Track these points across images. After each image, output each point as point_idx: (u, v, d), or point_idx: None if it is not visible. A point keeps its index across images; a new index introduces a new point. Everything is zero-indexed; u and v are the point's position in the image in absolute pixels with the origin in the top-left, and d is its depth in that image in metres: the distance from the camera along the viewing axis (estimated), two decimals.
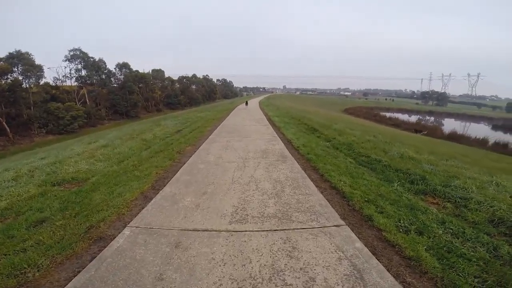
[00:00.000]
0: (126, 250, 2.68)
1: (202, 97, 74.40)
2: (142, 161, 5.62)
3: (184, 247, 2.72)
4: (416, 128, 30.44)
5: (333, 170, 4.90)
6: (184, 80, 72.39)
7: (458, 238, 2.94)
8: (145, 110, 54.02)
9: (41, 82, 36.06)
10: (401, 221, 3.25)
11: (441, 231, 3.04)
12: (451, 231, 3.07)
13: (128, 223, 3.19)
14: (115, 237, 2.91)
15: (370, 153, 6.29)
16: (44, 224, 3.23)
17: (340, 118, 22.10)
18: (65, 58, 40.78)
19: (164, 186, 4.28)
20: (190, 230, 3.02)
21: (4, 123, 29.48)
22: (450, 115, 72.99)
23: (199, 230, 3.01)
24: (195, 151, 6.27)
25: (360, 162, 5.72)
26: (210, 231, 3.00)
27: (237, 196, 3.85)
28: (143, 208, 3.57)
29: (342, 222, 3.25)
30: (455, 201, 3.95)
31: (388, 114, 53.58)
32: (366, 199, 3.84)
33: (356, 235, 3.00)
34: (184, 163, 5.34)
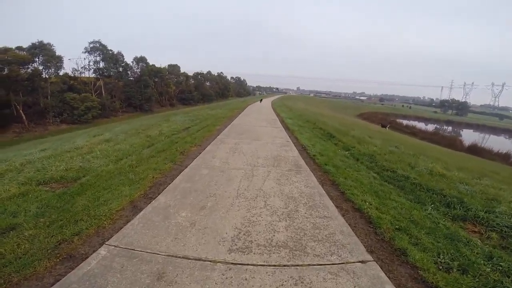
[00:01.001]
0: (97, 275, 2.15)
1: (216, 94, 74.29)
2: (141, 161, 5.11)
3: (169, 280, 2.15)
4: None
5: (355, 187, 4.21)
6: (199, 76, 72.48)
7: (509, 277, 2.42)
8: (158, 104, 54.32)
9: (60, 73, 36.68)
10: (441, 256, 2.65)
11: (489, 269, 2.50)
12: (500, 268, 2.52)
13: (107, 240, 2.66)
14: (88, 257, 2.39)
15: (396, 168, 5.55)
16: (12, 232, 2.76)
17: (356, 123, 21.16)
18: (85, 50, 41.26)
19: (159, 194, 3.72)
20: (179, 257, 2.44)
21: (21, 110, 30.09)
22: (469, 125, 70.04)
23: (190, 259, 2.42)
24: (200, 153, 5.70)
25: (385, 178, 4.99)
26: (204, 260, 2.41)
27: (241, 214, 3.23)
28: (128, 221, 3.03)
29: (369, 257, 2.62)
30: (501, 230, 3.34)
31: (405, 122, 51.81)
32: (397, 227, 3.18)
33: (386, 274, 2.39)
34: (186, 167, 4.77)
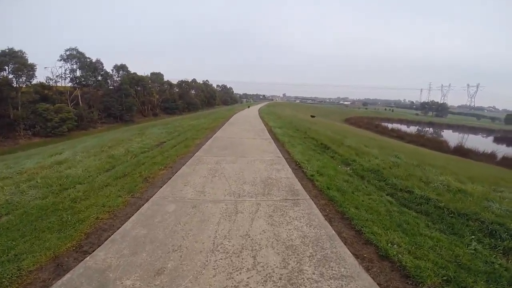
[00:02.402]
0: None
1: (201, 103, 72.79)
2: (90, 192, 3.90)
3: None
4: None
5: (373, 221, 3.19)
6: (183, 84, 70.87)
7: None
8: (141, 114, 52.30)
9: (33, 82, 34.37)
10: None
11: None
12: None
13: None
14: None
15: (410, 186, 4.62)
16: None
17: (346, 130, 20.53)
18: (60, 58, 39.11)
19: (98, 246, 2.56)
20: None
21: None
22: (450, 126, 72.23)
23: None
24: (170, 178, 4.46)
25: (403, 202, 4.02)
26: None
27: (219, 283, 2.10)
28: None
29: None
30: None
31: (390, 125, 52.20)
32: (445, 277, 2.27)
33: None
34: (147, 201, 3.56)
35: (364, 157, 6.67)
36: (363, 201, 3.80)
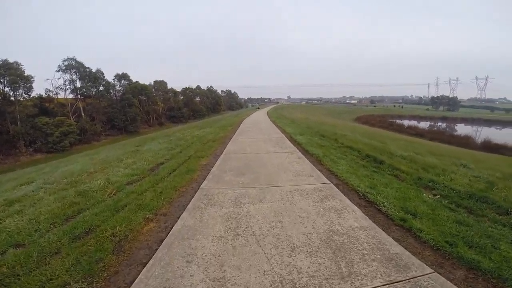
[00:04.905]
0: None
1: (207, 109, 71.45)
2: (19, 269, 2.12)
3: None
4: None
5: None
6: (188, 91, 69.62)
7: None
8: (146, 124, 51.06)
9: (31, 95, 33.24)
10: None
11: None
12: None
13: None
14: None
15: None
16: None
17: (370, 131, 18.48)
18: (59, 69, 37.91)
19: None
20: None
21: None
22: (464, 120, 69.56)
23: None
24: (161, 243, 2.57)
25: None
26: None
27: None
28: None
29: None
30: None
31: (405, 123, 49.82)
32: None
33: None
34: None
35: (439, 174, 4.74)
36: None
